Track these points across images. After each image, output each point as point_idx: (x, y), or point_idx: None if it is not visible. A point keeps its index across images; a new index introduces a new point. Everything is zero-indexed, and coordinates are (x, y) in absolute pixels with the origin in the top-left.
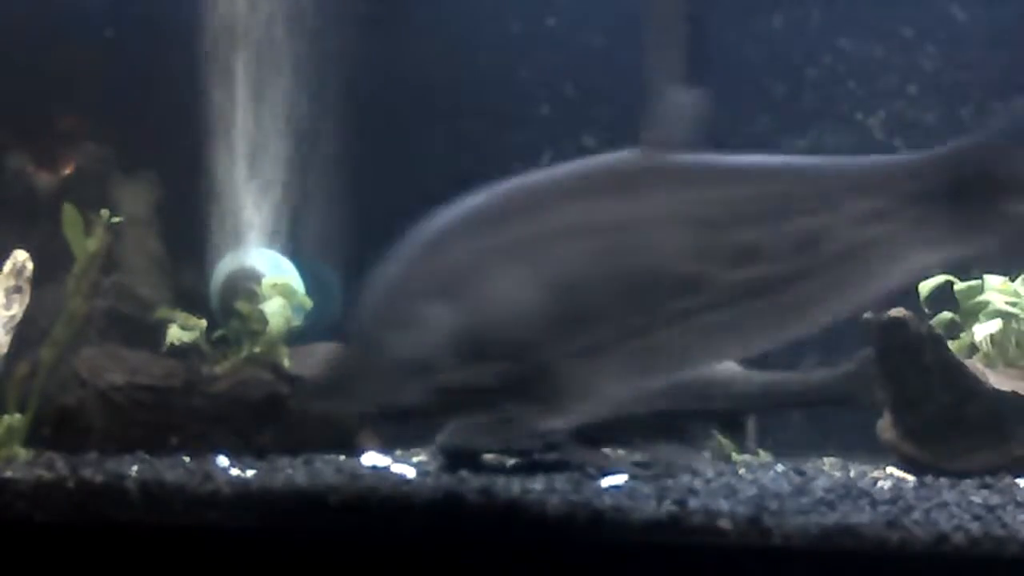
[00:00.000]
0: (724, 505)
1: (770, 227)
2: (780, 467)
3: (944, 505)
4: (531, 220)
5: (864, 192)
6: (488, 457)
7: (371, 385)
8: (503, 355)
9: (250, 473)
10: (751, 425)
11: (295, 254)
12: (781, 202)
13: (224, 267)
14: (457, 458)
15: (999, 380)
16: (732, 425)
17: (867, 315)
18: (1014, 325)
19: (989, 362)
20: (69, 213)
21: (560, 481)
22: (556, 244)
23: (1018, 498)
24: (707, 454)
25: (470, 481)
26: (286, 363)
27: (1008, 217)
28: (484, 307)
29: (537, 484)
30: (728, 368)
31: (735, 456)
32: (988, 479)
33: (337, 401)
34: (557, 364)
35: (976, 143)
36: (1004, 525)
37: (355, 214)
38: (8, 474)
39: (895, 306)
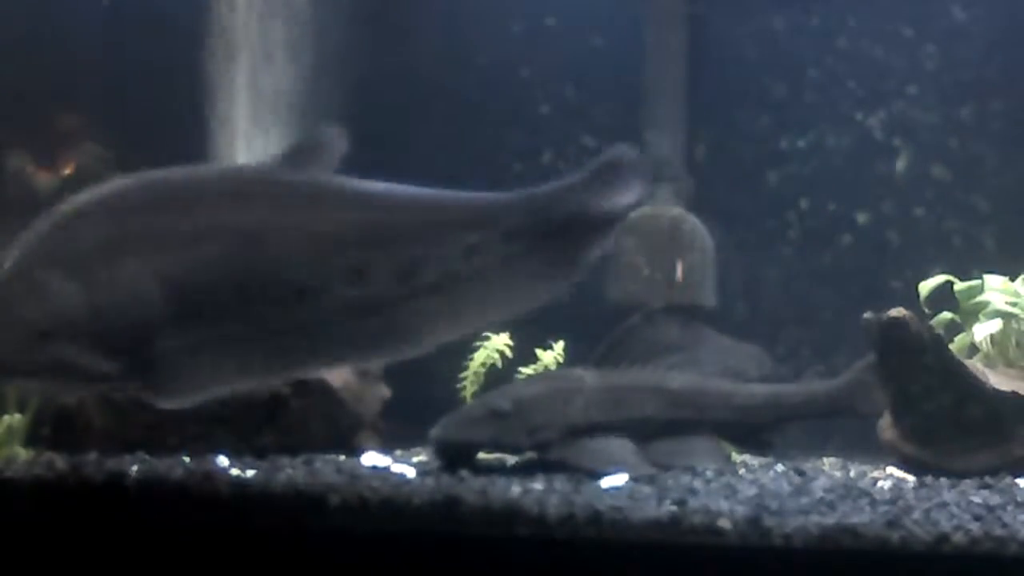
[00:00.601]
0: (724, 505)
1: (377, 252)
2: (780, 467)
3: (944, 505)
4: (161, 214)
5: (464, 227)
6: (486, 456)
7: None
8: (117, 336)
9: (250, 473)
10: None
11: None
12: (390, 230)
13: None
14: (451, 453)
15: (999, 380)
16: (758, 443)
17: (867, 315)
18: (1014, 325)
19: (989, 362)
20: None
21: (560, 481)
22: (180, 241)
23: (1018, 498)
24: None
25: (470, 481)
26: None
27: (580, 257)
28: (103, 288)
29: (537, 484)
30: (728, 379)
31: (735, 456)
32: (988, 479)
33: None
34: (169, 353)
35: (561, 186)
36: (1004, 525)
37: None
38: (8, 474)
39: (894, 306)
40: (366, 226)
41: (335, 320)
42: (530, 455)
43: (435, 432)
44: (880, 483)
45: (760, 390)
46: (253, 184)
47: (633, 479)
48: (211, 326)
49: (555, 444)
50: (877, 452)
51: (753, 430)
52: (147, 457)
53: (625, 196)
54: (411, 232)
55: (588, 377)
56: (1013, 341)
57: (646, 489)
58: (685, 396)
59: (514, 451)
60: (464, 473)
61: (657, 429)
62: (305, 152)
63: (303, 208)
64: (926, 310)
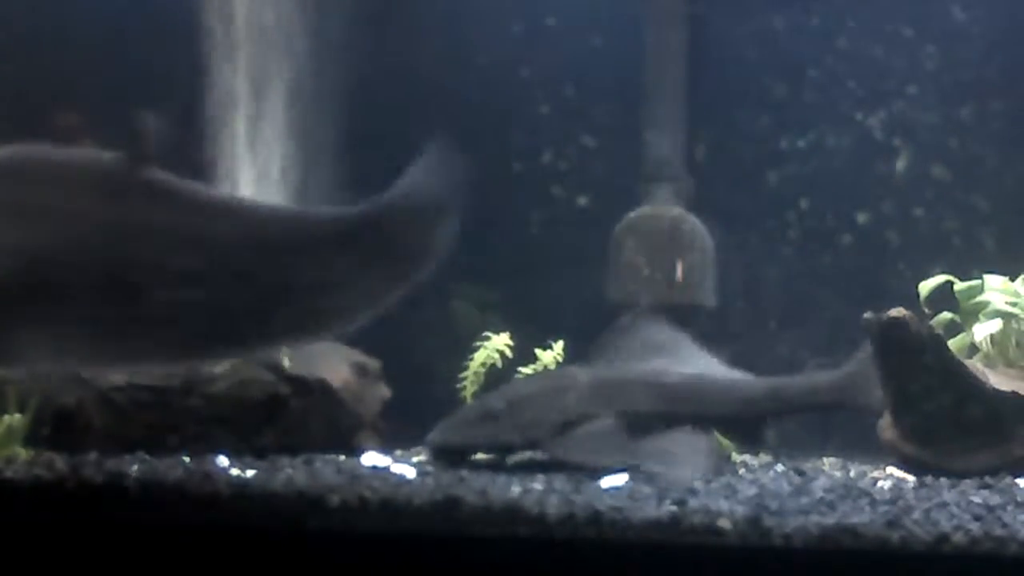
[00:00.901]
0: (724, 505)
1: (218, 257)
2: (780, 467)
3: (944, 505)
4: (4, 187)
5: (301, 237)
6: (483, 457)
7: None
8: None
9: (250, 473)
10: (771, 434)
11: None
12: (233, 237)
13: None
14: (448, 457)
15: (999, 380)
16: (750, 436)
17: (867, 315)
18: (1014, 325)
19: (989, 362)
20: None
21: (560, 481)
22: (20, 217)
23: (1018, 498)
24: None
25: (470, 481)
26: (287, 363)
27: (414, 264)
28: None
29: (537, 484)
30: (728, 372)
31: (735, 456)
32: (988, 479)
33: None
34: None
35: (392, 198)
36: (1004, 525)
37: None
38: (8, 474)
39: (894, 306)
40: (209, 231)
41: (171, 319)
42: (529, 454)
43: (431, 437)
44: (880, 483)
45: (760, 382)
46: (107, 176)
47: (632, 479)
48: (47, 306)
49: (546, 440)
50: (877, 452)
51: (753, 423)
52: (147, 457)
53: (446, 202)
54: (254, 239)
55: (582, 374)
56: (1013, 341)
57: (646, 489)
58: (683, 390)
59: (508, 450)
60: (464, 473)
61: (654, 424)
62: (148, 147)
63: (149, 206)
64: (926, 310)
